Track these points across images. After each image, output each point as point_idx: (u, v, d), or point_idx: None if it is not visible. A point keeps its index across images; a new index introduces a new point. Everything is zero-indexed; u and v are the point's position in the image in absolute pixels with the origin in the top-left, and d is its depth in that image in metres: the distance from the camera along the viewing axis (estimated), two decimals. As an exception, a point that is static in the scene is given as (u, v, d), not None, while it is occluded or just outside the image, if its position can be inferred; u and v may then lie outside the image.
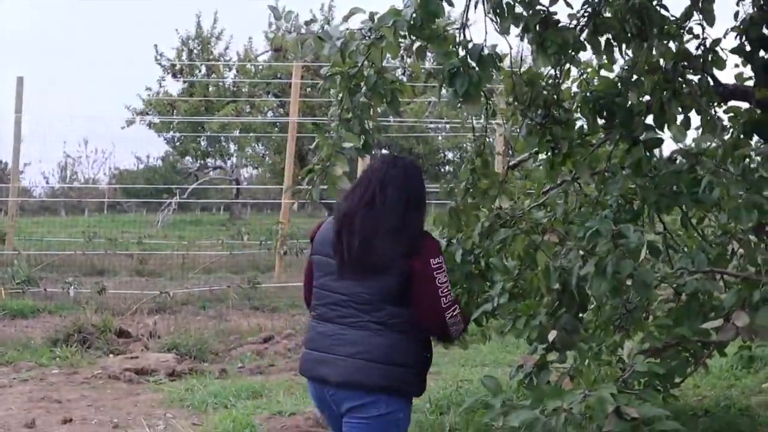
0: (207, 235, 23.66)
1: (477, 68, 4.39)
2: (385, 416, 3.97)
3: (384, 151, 33.77)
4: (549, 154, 4.42)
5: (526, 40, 4.57)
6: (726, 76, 5.06)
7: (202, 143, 34.91)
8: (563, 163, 4.60)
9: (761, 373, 8.16)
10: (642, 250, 4.00)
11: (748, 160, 4.27)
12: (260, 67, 34.07)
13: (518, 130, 4.65)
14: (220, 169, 36.76)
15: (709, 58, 4.84)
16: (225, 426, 6.92)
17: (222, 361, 9.94)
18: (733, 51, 5.01)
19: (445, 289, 4.00)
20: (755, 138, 4.98)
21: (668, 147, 4.81)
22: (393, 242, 3.95)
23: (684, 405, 6.62)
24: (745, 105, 5.09)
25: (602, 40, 4.64)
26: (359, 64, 4.53)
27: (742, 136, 4.89)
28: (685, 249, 5.02)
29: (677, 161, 4.46)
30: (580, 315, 4.48)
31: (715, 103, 4.99)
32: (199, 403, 7.74)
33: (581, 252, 3.91)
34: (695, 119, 4.84)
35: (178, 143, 35.09)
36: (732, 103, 5.12)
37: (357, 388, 3.96)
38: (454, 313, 4.03)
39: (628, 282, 3.72)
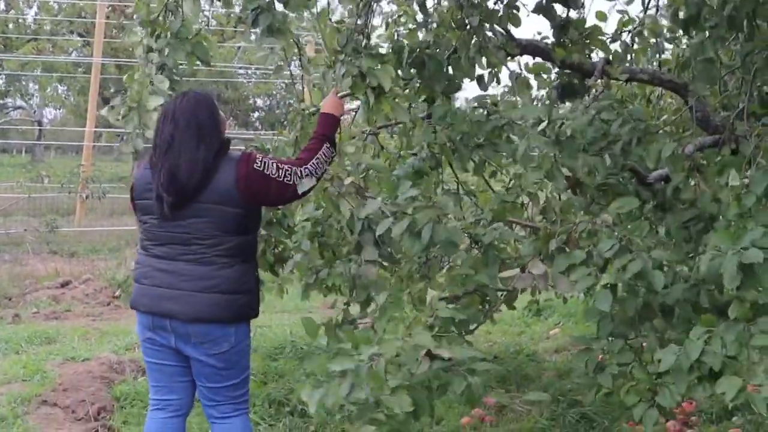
0: (6, 178, 22.77)
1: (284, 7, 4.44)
2: (235, 347, 4.07)
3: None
4: (367, 97, 4.43)
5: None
6: (523, 33, 5.21)
7: (0, 82, 33.45)
8: (381, 108, 4.63)
9: (550, 320, 8.51)
10: (451, 213, 4.11)
11: (561, 122, 4.40)
12: (63, 4, 32.78)
13: (334, 74, 4.64)
14: (21, 109, 35.34)
15: (508, 14, 4.97)
16: (15, 372, 6.71)
17: (16, 306, 9.63)
18: (535, 10, 5.15)
19: (283, 173, 4.05)
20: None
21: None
22: (195, 174, 3.97)
23: (476, 350, 6.82)
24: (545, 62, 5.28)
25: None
26: (161, 11, 4.46)
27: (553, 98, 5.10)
28: (476, 201, 5.16)
29: (477, 111, 4.57)
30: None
31: (512, 57, 5.14)
32: (-11, 349, 7.48)
33: (390, 208, 3.99)
34: (504, 77, 5.01)
35: (-26, 81, 33.52)
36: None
37: (210, 322, 4.02)
38: (304, 172, 4.10)
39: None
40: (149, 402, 4.40)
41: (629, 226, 3.59)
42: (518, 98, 5.18)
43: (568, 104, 5.25)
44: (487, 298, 4.07)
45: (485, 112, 4.50)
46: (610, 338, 3.69)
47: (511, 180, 5.18)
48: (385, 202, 4.07)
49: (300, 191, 4.07)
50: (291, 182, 4.06)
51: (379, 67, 4.33)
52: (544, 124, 4.14)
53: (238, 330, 4.09)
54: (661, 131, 4.35)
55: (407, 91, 4.84)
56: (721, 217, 3.92)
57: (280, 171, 4.05)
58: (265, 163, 4.05)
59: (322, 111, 4.32)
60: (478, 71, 4.95)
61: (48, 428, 5.64)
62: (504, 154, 4.47)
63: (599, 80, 4.87)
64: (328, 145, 4.21)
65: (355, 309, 4.70)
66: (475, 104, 4.57)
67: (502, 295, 4.08)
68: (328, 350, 3.33)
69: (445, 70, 4.79)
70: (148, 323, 4.16)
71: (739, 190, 3.75)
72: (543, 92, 5.52)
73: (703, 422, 5.66)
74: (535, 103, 5.52)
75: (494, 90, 5.09)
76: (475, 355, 3.19)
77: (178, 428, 4.36)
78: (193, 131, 4.02)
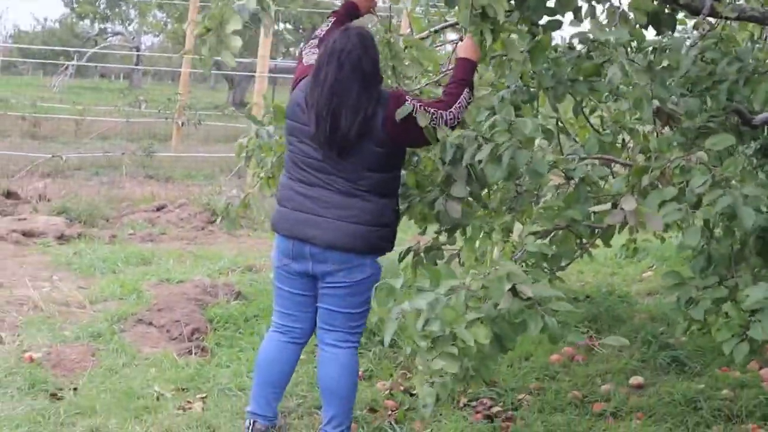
0: (104, 102, 23.18)
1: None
2: (367, 279, 4.14)
3: (287, 26, 33.26)
4: (483, 35, 4.34)
5: None
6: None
7: (101, 6, 33.85)
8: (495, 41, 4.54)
9: (643, 262, 8.40)
10: (536, 140, 4.04)
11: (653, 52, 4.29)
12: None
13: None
14: (120, 35, 35.81)
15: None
16: (112, 290, 6.88)
17: (112, 227, 9.84)
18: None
19: (430, 114, 4.04)
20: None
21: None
22: (356, 123, 4.01)
23: (567, 289, 6.77)
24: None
25: None
26: None
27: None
28: (576, 139, 5.07)
29: (576, 48, 4.46)
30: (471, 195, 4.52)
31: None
32: (87, 267, 7.67)
33: (478, 136, 3.93)
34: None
35: (76, 5, 33.94)
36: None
37: (346, 251, 4.12)
38: (448, 116, 4.08)
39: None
40: (272, 323, 4.50)
41: (725, 162, 3.48)
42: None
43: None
44: (579, 235, 4.01)
45: (585, 49, 4.39)
46: (703, 275, 3.61)
47: (602, 116, 5.08)
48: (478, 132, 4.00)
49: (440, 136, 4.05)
50: (436, 125, 4.05)
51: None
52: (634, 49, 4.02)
53: (372, 262, 4.17)
54: (770, 72, 4.19)
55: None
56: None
57: (428, 113, 4.04)
58: (414, 108, 4.04)
59: (459, 56, 4.26)
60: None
61: (143, 346, 5.78)
62: (600, 91, 4.36)
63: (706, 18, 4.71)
64: (468, 90, 4.17)
65: (444, 238, 4.68)
66: (576, 40, 4.45)
67: (597, 232, 4.02)
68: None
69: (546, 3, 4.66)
70: (288, 250, 4.26)
71: None
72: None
73: (797, 372, 5.55)
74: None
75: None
76: (558, 294, 3.14)
77: (294, 355, 4.48)
78: (358, 79, 4.03)
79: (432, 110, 4.06)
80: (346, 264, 4.14)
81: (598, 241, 4.10)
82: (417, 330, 3.09)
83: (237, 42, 4.15)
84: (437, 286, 3.20)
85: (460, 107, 4.10)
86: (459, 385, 3.27)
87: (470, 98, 4.18)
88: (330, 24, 4.51)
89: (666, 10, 4.75)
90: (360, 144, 4.05)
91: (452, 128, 4.04)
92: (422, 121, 4.00)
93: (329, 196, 4.12)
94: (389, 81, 4.62)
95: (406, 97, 4.11)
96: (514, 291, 3.10)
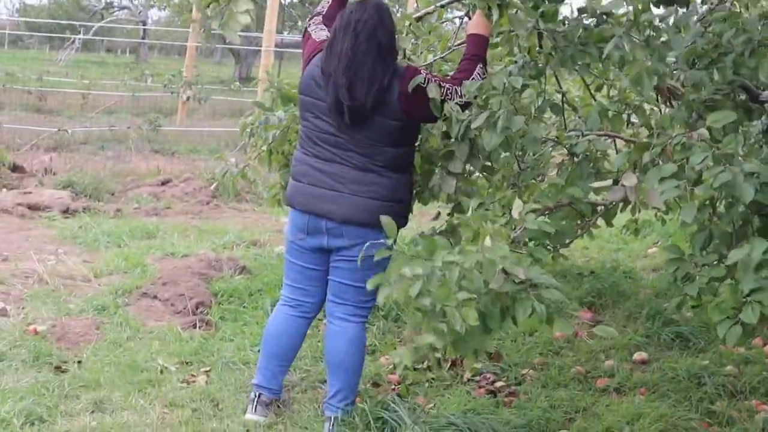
0: (111, 76, 23.15)
1: None
2: None
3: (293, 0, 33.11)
4: (491, 10, 4.31)
5: None
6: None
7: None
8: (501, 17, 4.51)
9: (648, 238, 8.38)
10: (533, 106, 4.01)
11: (650, 27, 4.24)
12: None
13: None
14: (126, 9, 35.71)
15: None
16: (116, 264, 6.89)
17: (118, 201, 9.84)
18: None
19: (444, 91, 4.04)
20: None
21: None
22: (371, 93, 4.02)
23: (571, 265, 6.77)
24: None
25: None
26: None
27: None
28: (580, 117, 5.04)
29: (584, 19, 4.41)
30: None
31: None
32: (92, 241, 7.68)
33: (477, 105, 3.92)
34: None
35: (83, -21, 33.87)
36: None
37: (363, 225, 4.13)
38: (462, 91, 4.04)
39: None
40: (281, 296, 4.52)
41: (725, 139, 3.45)
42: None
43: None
44: (581, 212, 3.99)
45: (594, 21, 4.36)
46: (703, 252, 3.59)
47: (609, 93, 5.05)
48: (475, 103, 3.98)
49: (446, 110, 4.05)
50: (451, 101, 4.05)
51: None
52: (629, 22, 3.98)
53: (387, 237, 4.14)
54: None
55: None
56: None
57: (442, 89, 4.04)
58: (427, 80, 4.04)
59: (471, 32, 4.25)
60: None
61: (148, 319, 5.80)
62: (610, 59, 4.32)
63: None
64: (482, 65, 4.16)
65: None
66: (585, 13, 4.41)
67: (599, 209, 4.00)
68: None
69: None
70: (303, 225, 4.27)
71: None
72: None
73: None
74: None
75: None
76: (552, 282, 3.11)
77: (302, 329, 4.50)
78: (373, 50, 4.04)
79: (447, 85, 4.06)
80: (361, 239, 4.13)
81: (601, 222, 4.09)
82: (411, 297, 3.07)
83: (245, 19, 4.14)
84: (433, 258, 3.16)
85: (474, 83, 4.05)
86: (432, 354, 3.24)
87: (484, 73, 4.15)
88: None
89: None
90: (375, 117, 4.06)
91: (465, 105, 4.03)
92: (433, 92, 3.99)
93: (346, 171, 4.14)
94: None
95: (421, 71, 4.12)
96: (506, 272, 3.08)
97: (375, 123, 4.07)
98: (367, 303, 4.34)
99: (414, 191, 4.42)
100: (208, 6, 4.24)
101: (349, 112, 4.04)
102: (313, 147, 4.22)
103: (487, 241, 3.13)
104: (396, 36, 4.20)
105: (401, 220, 4.20)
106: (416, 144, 4.36)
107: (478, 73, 4.11)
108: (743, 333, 3.17)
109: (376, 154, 4.12)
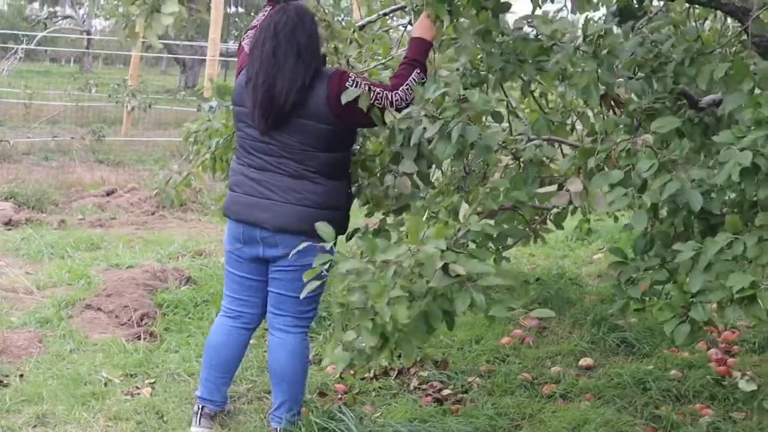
0: (55, 86, 22.90)
1: None
2: None
3: (238, 9, 33.03)
4: (439, 17, 4.30)
5: None
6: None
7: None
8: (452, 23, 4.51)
9: (594, 245, 8.45)
10: (485, 116, 4.02)
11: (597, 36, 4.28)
12: None
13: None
14: (70, 18, 35.38)
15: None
16: (60, 276, 6.81)
17: (62, 212, 9.72)
18: None
19: (374, 96, 3.97)
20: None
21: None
22: (292, 93, 3.98)
23: (517, 272, 6.80)
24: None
25: None
26: None
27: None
28: (526, 122, 5.06)
29: (523, 30, 4.44)
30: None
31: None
32: (35, 253, 7.57)
33: (426, 115, 3.90)
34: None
35: (25, -13, 33.50)
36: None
37: (298, 233, 4.05)
38: (394, 98, 4.00)
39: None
40: (222, 307, 4.48)
41: (670, 146, 3.49)
42: (573, 16, 5.03)
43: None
44: (524, 217, 4.01)
45: (533, 32, 4.38)
46: (645, 256, 3.62)
47: (556, 100, 5.08)
48: (425, 111, 3.97)
49: (388, 121, 3.96)
50: (381, 106, 3.98)
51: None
52: (579, 39, 4.02)
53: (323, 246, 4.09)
54: (715, 52, 4.20)
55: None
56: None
57: (372, 93, 3.98)
58: (357, 82, 4.00)
59: (413, 35, 4.22)
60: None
61: (92, 331, 5.73)
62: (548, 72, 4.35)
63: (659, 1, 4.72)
64: (419, 71, 4.10)
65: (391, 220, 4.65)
66: (524, 23, 4.44)
67: (547, 214, 4.02)
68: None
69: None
70: (239, 234, 4.24)
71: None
72: (601, 12, 5.36)
73: (744, 351, 5.62)
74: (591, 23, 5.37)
75: (550, 7, 4.92)
76: (490, 270, 3.11)
77: (243, 340, 4.46)
78: (293, 51, 4.00)
79: (378, 89, 4.00)
80: (296, 247, 4.09)
81: (552, 226, 4.10)
82: (337, 295, 3.06)
83: (168, 20, 4.11)
84: (371, 257, 3.15)
85: (408, 88, 4.03)
86: (377, 356, 3.24)
87: (422, 79, 4.10)
88: (266, 12, 4.48)
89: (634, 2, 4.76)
90: (304, 121, 4.02)
91: (398, 110, 3.97)
92: (363, 102, 3.97)
93: (279, 179, 4.10)
94: (334, 60, 4.59)
95: (350, 74, 4.07)
96: (445, 268, 3.08)
97: (305, 127, 4.03)
98: (307, 313, 4.32)
99: (353, 198, 4.38)
100: (133, 3, 4.19)
101: (271, 114, 4.01)
102: (247, 156, 4.18)
103: (430, 234, 3.14)
104: (319, 38, 4.15)
105: (339, 229, 4.11)
106: (352, 149, 4.32)
107: (414, 79, 4.05)
108: (691, 331, 3.20)
109: (309, 160, 4.07)
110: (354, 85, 3.99)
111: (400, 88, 4.03)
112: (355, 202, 4.51)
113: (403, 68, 4.13)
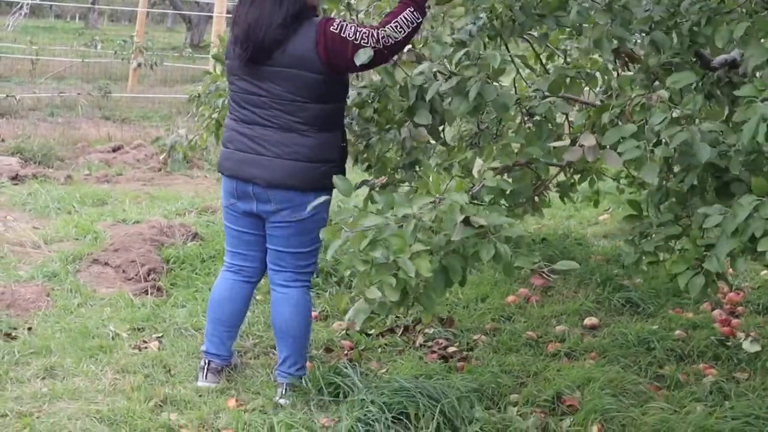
0: (60, 42, 22.82)
1: None
2: (314, 216, 4.06)
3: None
4: None
5: None
6: None
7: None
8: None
9: (600, 206, 8.42)
10: (503, 74, 4.00)
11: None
12: None
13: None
14: (76, -26, 35.19)
15: None
16: (67, 231, 6.83)
17: (68, 167, 9.71)
18: None
19: (360, 36, 3.92)
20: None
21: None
22: (272, 29, 3.97)
23: (523, 231, 6.79)
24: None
25: None
26: None
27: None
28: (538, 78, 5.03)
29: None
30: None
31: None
32: (42, 208, 7.58)
33: (441, 71, 3.88)
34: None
35: (31, -57, 33.22)
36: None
37: (288, 188, 4.08)
38: (380, 35, 3.93)
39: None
40: (224, 262, 4.51)
41: (684, 99, 3.46)
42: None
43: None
44: (538, 173, 4.00)
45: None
46: (659, 210, 3.61)
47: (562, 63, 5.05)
48: (439, 67, 3.94)
49: (358, 62, 3.85)
50: (367, 45, 3.90)
51: None
52: None
53: (317, 199, 4.06)
54: (734, 11, 4.15)
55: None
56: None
57: (357, 34, 3.93)
58: (342, 26, 3.96)
59: None
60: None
61: (99, 286, 5.75)
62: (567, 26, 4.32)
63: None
64: (412, 9, 3.98)
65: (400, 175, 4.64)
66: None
67: (548, 181, 4.01)
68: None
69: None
70: (232, 189, 4.25)
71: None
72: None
73: (749, 312, 5.63)
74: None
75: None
76: (510, 221, 3.11)
77: (246, 293, 4.50)
78: None
79: (363, 30, 3.94)
80: (288, 203, 4.12)
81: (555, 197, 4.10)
82: (358, 252, 3.05)
83: None
84: (392, 212, 3.14)
85: (396, 26, 3.94)
86: (396, 310, 3.24)
87: (416, 19, 4.00)
88: None
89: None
90: (293, 71, 4.00)
91: (387, 48, 3.94)
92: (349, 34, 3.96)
93: (268, 133, 4.09)
94: (344, 13, 4.56)
95: (336, 19, 4.05)
96: (466, 221, 3.08)
97: (295, 77, 4.00)
98: (306, 267, 4.33)
99: (346, 152, 4.32)
100: None
101: (250, 46, 4.00)
102: (239, 110, 4.18)
103: (448, 191, 3.14)
104: None
105: (330, 182, 3.99)
106: (345, 101, 4.27)
107: (405, 17, 3.95)
108: (705, 284, 3.20)
109: (299, 111, 4.04)
110: (339, 28, 3.95)
111: (388, 26, 3.94)
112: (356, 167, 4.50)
113: (396, 7, 4.05)
